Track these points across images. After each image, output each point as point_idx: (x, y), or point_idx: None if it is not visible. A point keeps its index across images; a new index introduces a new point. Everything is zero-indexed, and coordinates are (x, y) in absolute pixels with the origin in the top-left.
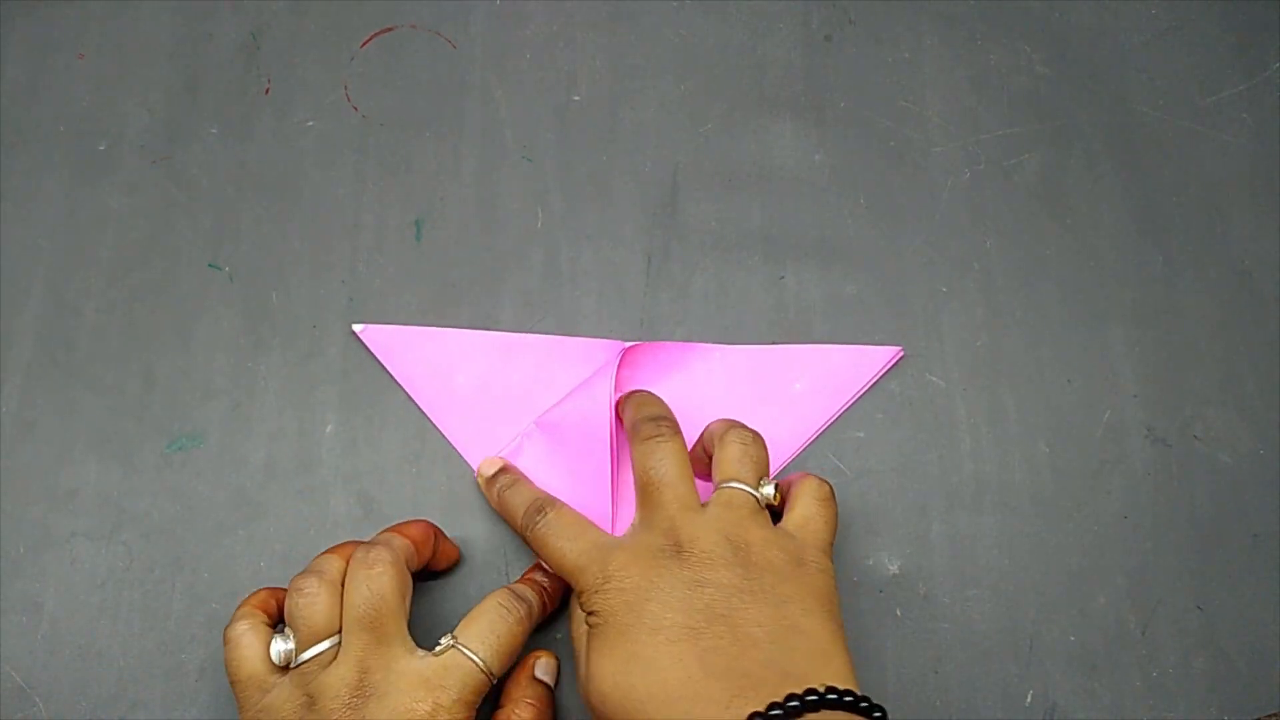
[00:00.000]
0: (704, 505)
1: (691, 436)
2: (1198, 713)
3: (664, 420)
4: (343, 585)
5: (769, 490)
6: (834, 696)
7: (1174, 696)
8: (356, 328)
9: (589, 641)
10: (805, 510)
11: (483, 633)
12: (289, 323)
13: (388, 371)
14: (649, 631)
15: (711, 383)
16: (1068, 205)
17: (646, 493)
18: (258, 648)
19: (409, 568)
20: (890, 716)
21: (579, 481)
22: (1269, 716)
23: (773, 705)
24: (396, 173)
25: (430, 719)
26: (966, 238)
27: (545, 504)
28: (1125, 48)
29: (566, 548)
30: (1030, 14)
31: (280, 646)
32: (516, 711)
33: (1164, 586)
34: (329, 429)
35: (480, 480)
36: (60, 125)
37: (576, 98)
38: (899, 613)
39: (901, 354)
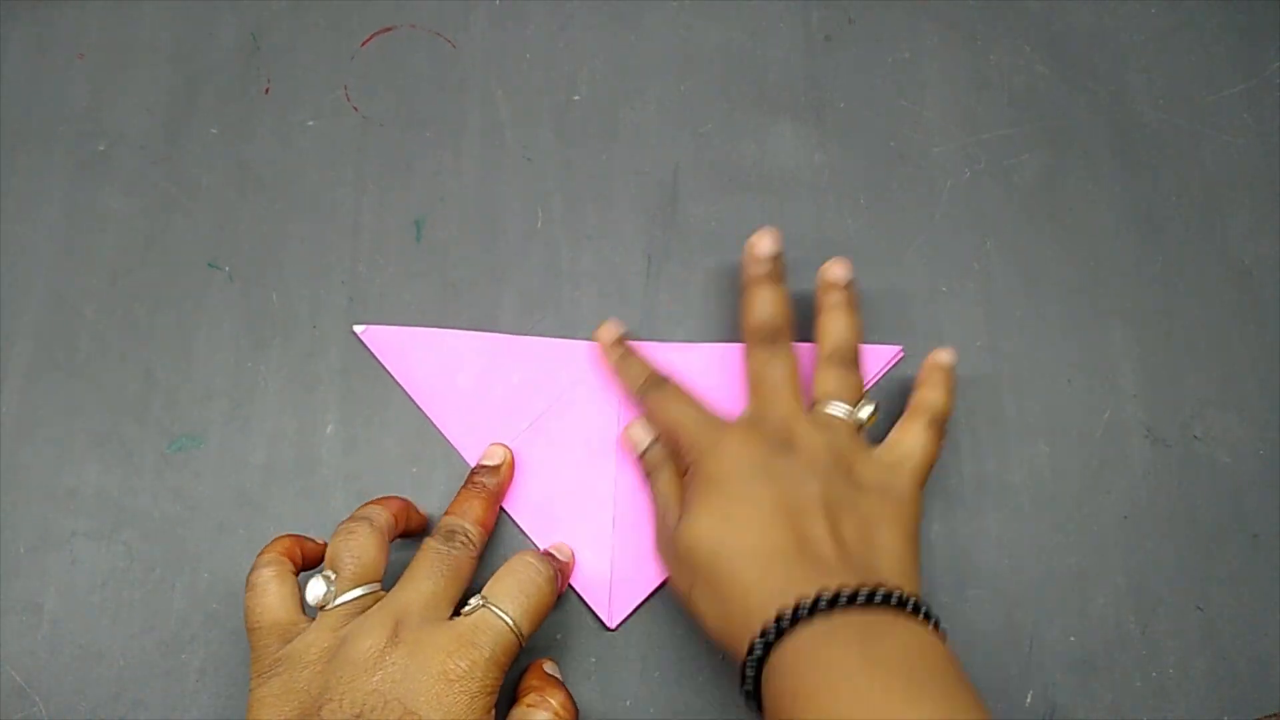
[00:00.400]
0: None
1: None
2: (1198, 713)
3: (784, 333)
4: (389, 537)
5: (865, 414)
6: (910, 600)
7: (1174, 697)
8: (357, 329)
9: (690, 492)
10: (908, 439)
11: (511, 591)
12: (289, 323)
13: (388, 372)
14: (754, 502)
15: (704, 380)
16: (1068, 205)
17: (761, 390)
18: (284, 594)
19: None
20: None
21: (580, 481)
22: (1269, 717)
23: (844, 588)
24: (396, 173)
25: (467, 676)
26: (966, 238)
27: (663, 378)
28: (1125, 48)
29: (685, 412)
30: (1030, 14)
31: (319, 589)
32: (545, 697)
33: (1164, 586)
34: (329, 429)
35: (600, 346)
36: (60, 125)
37: (576, 98)
38: None
39: (901, 354)
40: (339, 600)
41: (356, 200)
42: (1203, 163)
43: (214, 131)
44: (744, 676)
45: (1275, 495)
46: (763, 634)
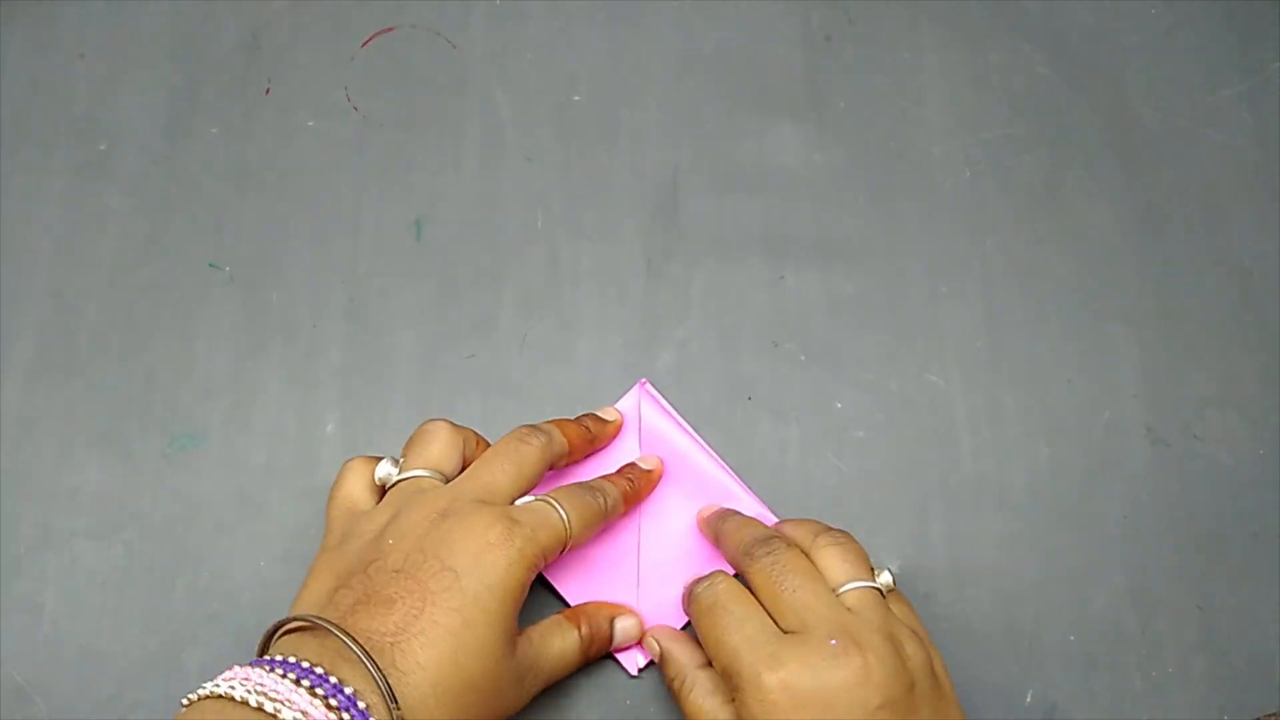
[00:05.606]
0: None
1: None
2: (1198, 712)
3: (776, 536)
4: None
5: (886, 579)
6: None
7: (1174, 696)
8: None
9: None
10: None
11: (571, 494)
12: (289, 323)
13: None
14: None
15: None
16: (1068, 205)
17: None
18: (363, 478)
19: (550, 464)
20: None
21: (605, 552)
22: (1269, 716)
23: None
24: (396, 173)
25: (503, 543)
26: (966, 238)
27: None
28: (1125, 48)
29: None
30: (1030, 14)
31: (385, 469)
32: (581, 620)
33: (1164, 586)
34: (329, 429)
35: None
36: (60, 125)
37: (576, 98)
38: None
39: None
40: (400, 476)
41: (356, 200)
42: (1203, 163)
43: (214, 131)
44: None
45: (1275, 495)
46: None
